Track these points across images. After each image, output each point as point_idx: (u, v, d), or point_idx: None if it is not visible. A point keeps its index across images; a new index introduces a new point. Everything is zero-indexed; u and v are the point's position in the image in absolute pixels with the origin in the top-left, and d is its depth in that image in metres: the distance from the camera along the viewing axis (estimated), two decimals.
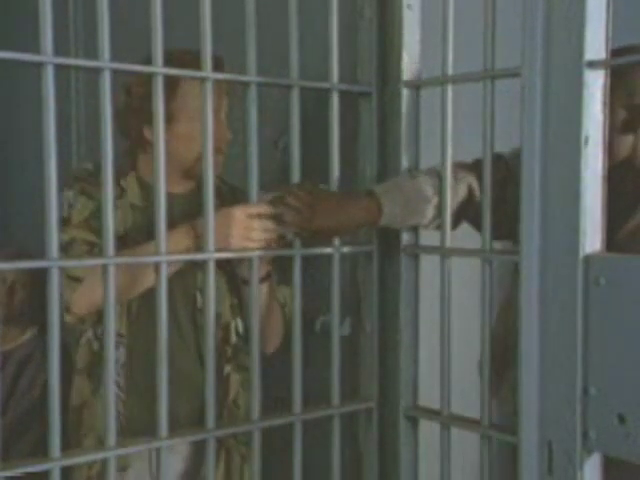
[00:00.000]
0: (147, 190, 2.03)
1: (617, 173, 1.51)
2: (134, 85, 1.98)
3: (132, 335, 2.00)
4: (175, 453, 1.99)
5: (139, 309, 1.97)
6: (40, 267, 1.38)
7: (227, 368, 2.05)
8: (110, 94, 1.42)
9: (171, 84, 1.86)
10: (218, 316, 2.02)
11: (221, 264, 1.92)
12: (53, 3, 1.33)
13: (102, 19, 1.40)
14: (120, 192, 2.07)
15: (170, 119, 1.94)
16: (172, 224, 1.83)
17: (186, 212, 1.97)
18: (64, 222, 2.03)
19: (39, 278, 2.47)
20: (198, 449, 1.98)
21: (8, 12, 3.34)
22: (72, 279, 1.90)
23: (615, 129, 1.70)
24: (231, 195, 2.11)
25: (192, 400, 1.97)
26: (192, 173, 2.01)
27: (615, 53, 1.52)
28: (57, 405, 1.38)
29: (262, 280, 1.92)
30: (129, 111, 1.98)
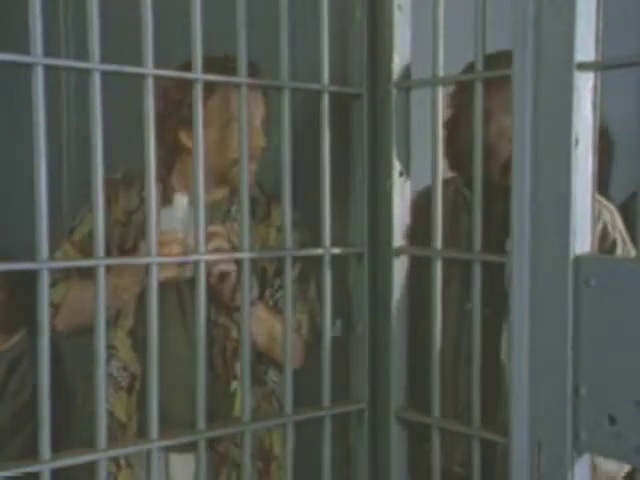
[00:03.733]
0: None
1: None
2: (171, 89, 1.97)
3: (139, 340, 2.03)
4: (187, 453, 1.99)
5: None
6: (29, 269, 1.37)
7: (234, 384, 2.04)
8: (100, 96, 1.41)
9: (206, 89, 1.86)
10: (227, 330, 2.02)
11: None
12: (43, 3, 1.33)
13: (92, 20, 1.40)
14: (139, 204, 2.07)
15: (204, 124, 1.94)
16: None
17: (212, 220, 1.96)
18: (68, 233, 2.08)
19: (18, 280, 2.46)
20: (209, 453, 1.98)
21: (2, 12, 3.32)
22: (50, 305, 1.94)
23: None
24: (266, 206, 2.10)
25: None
26: (226, 179, 2.01)
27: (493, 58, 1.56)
28: (47, 407, 1.38)
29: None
30: (165, 116, 1.97)
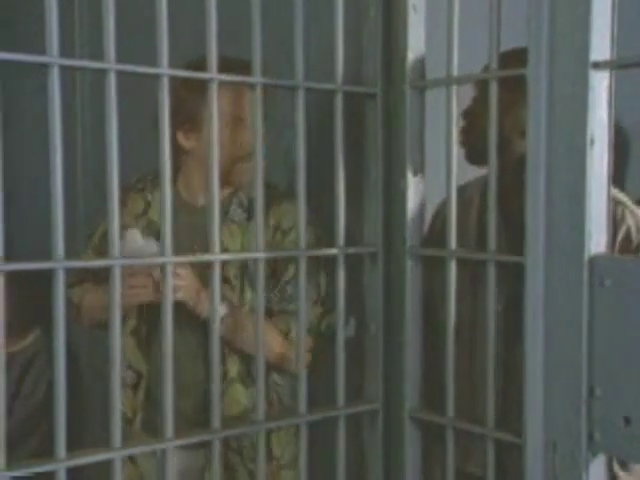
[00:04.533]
0: (179, 206, 2.04)
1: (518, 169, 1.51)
2: (172, 91, 1.98)
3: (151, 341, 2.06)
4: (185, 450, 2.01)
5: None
6: (45, 268, 1.38)
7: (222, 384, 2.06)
8: (115, 95, 1.42)
9: (201, 90, 1.87)
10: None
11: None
12: (59, 3, 1.34)
13: (107, 20, 1.40)
14: (145, 208, 2.09)
15: (201, 126, 1.95)
16: (194, 237, 1.88)
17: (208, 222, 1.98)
18: (88, 238, 2.21)
19: (26, 281, 2.48)
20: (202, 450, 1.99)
21: (15, 13, 3.34)
22: (72, 304, 2.00)
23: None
24: (265, 205, 2.11)
25: (194, 403, 2.00)
26: (226, 179, 2.01)
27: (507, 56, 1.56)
28: (63, 404, 1.38)
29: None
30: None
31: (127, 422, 2.14)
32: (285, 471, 2.12)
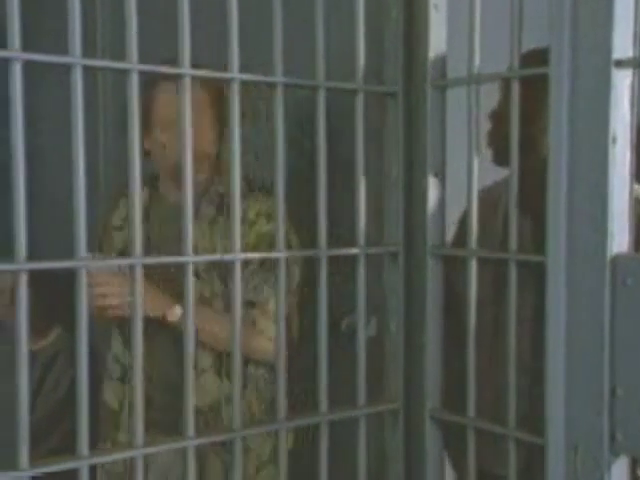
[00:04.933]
0: (157, 200, 2.10)
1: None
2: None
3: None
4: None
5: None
6: (67, 268, 1.38)
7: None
8: (138, 95, 1.43)
9: (149, 96, 1.93)
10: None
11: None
12: (81, 4, 1.34)
13: (130, 20, 1.41)
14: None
15: (152, 126, 2.01)
16: (165, 233, 1.91)
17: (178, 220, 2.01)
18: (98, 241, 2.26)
19: (45, 281, 2.51)
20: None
21: (35, 13, 3.35)
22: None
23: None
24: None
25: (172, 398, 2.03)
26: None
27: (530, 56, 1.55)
28: (85, 403, 1.39)
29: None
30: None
31: (113, 414, 2.21)
32: (271, 466, 2.14)
